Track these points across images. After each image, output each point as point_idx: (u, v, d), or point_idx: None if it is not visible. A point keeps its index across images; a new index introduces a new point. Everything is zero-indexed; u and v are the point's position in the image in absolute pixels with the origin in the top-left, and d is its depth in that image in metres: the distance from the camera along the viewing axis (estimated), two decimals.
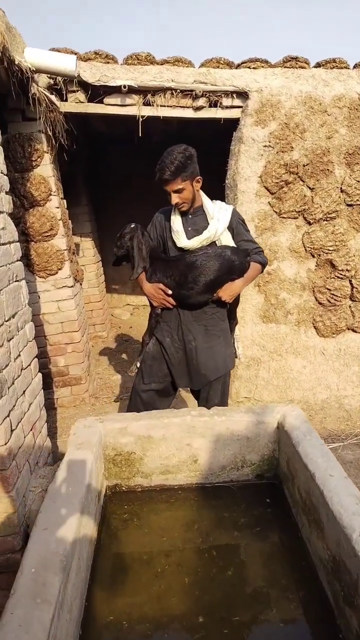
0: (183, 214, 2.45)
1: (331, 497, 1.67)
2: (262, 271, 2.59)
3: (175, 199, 2.34)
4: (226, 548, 1.99)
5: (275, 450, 2.41)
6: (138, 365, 2.68)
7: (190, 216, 2.46)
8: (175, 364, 2.61)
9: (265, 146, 3.30)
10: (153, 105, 3.37)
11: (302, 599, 1.73)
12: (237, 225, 2.49)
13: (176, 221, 2.45)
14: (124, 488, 2.40)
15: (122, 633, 1.63)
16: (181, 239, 2.44)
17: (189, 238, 2.44)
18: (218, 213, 2.44)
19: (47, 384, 2.47)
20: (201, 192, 2.47)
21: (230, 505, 2.24)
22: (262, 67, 3.35)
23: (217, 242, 2.45)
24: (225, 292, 2.40)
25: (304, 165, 3.29)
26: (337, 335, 3.53)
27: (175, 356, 2.59)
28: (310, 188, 3.32)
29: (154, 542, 2.05)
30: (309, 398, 3.59)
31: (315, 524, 1.82)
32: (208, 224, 2.43)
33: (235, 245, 2.49)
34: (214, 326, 2.57)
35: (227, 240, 2.47)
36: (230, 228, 2.47)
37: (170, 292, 2.42)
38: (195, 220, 2.46)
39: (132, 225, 2.50)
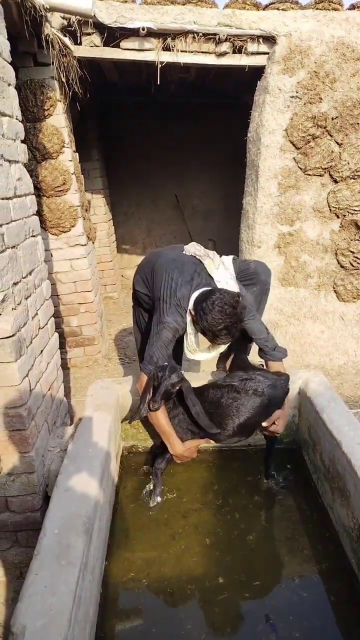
0: None
1: None
2: None
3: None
4: (246, 511, 1.97)
5: (295, 415, 2.37)
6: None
7: None
8: None
9: (292, 97, 3.08)
10: (173, 51, 3.15)
11: (323, 568, 1.71)
12: (248, 313, 2.12)
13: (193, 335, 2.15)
14: (140, 449, 2.39)
15: (141, 591, 1.64)
16: (197, 355, 2.18)
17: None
18: None
19: (60, 344, 2.43)
20: None
21: (248, 469, 2.22)
22: (292, 8, 3.09)
23: None
24: (281, 426, 2.05)
25: (332, 119, 3.09)
26: (358, 300, 3.42)
27: None
28: (338, 143, 3.13)
29: (172, 503, 2.04)
30: (326, 363, 3.52)
31: (340, 492, 1.78)
32: None
33: (271, 375, 2.12)
34: None
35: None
36: None
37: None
38: None
39: (182, 372, 2.00)
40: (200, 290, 2.01)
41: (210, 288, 2.02)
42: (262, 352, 2.25)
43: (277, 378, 2.07)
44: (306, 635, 1.47)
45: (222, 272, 2.18)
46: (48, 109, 3.05)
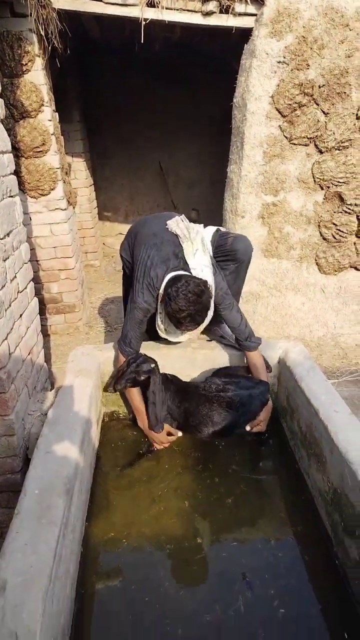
0: None
1: (336, 433, 1.66)
2: None
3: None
4: (225, 477, 2.01)
5: (274, 384, 2.40)
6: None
7: None
8: None
9: (279, 62, 3.00)
10: (157, 7, 3.01)
11: (299, 530, 1.76)
12: (222, 301, 2.17)
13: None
14: (121, 415, 2.39)
15: (121, 551, 1.67)
16: (168, 336, 2.23)
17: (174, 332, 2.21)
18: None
19: (40, 311, 2.38)
20: None
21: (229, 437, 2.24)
22: None
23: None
24: (264, 427, 2.13)
25: (319, 87, 3.03)
26: (338, 272, 3.44)
27: None
28: (324, 113, 3.08)
29: (152, 467, 2.07)
30: (306, 335, 3.57)
31: (316, 457, 1.83)
32: None
33: (249, 377, 2.20)
34: None
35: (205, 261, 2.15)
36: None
37: (180, 434, 2.16)
38: None
39: (152, 366, 2.06)
40: (173, 274, 2.00)
41: (180, 273, 2.00)
42: (237, 342, 2.26)
43: (253, 389, 2.09)
44: (281, 592, 1.52)
45: (199, 258, 2.13)
46: (26, 64, 2.92)
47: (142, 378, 2.03)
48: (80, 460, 1.62)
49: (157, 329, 2.23)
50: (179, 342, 2.40)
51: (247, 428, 2.08)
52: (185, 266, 2.07)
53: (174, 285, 1.87)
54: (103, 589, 1.54)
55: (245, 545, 1.71)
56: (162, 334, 2.24)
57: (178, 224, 2.18)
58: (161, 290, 2.01)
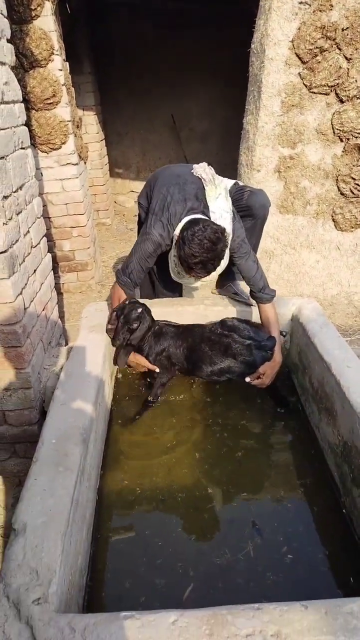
0: None
1: (348, 387, 1.67)
2: None
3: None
4: (235, 431, 2.05)
5: (286, 341, 2.40)
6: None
7: None
8: None
9: (300, 2, 2.82)
10: None
11: (308, 482, 1.80)
12: (238, 249, 2.11)
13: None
14: (134, 371, 2.43)
15: (135, 498, 1.73)
16: (183, 279, 2.20)
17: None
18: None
19: (53, 269, 2.38)
20: None
21: (240, 393, 2.27)
22: None
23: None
24: (266, 382, 2.06)
25: (342, 30, 2.85)
26: (355, 229, 3.36)
27: None
28: (347, 59, 2.92)
29: (164, 420, 2.11)
30: (319, 293, 3.53)
31: (327, 411, 1.85)
32: None
33: (256, 327, 2.17)
34: None
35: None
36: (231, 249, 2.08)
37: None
38: None
39: (140, 310, 2.07)
40: (191, 217, 1.97)
41: (198, 216, 1.96)
42: (251, 293, 2.23)
43: (257, 341, 2.07)
44: (289, 538, 1.57)
45: (221, 203, 2.09)
46: (35, 9, 2.79)
47: (135, 326, 2.02)
48: (95, 413, 1.67)
49: (171, 272, 2.23)
50: (194, 291, 2.41)
51: (247, 380, 2.06)
52: (205, 210, 2.05)
53: (191, 229, 1.84)
54: (118, 533, 1.60)
55: (254, 495, 1.76)
56: (175, 277, 2.24)
57: (204, 169, 2.18)
58: (177, 232, 1.98)
